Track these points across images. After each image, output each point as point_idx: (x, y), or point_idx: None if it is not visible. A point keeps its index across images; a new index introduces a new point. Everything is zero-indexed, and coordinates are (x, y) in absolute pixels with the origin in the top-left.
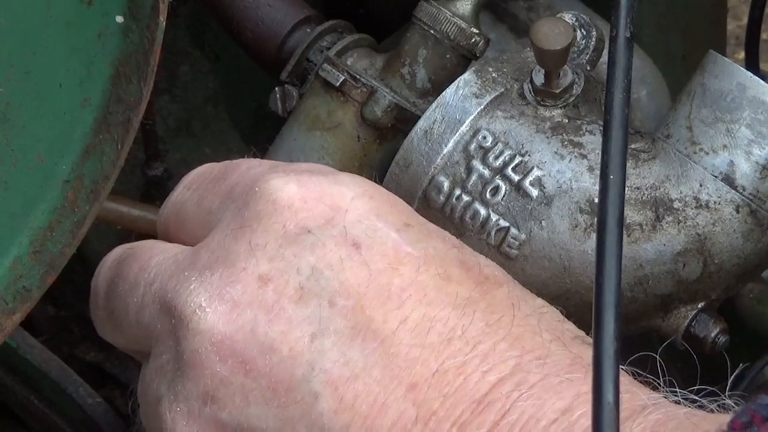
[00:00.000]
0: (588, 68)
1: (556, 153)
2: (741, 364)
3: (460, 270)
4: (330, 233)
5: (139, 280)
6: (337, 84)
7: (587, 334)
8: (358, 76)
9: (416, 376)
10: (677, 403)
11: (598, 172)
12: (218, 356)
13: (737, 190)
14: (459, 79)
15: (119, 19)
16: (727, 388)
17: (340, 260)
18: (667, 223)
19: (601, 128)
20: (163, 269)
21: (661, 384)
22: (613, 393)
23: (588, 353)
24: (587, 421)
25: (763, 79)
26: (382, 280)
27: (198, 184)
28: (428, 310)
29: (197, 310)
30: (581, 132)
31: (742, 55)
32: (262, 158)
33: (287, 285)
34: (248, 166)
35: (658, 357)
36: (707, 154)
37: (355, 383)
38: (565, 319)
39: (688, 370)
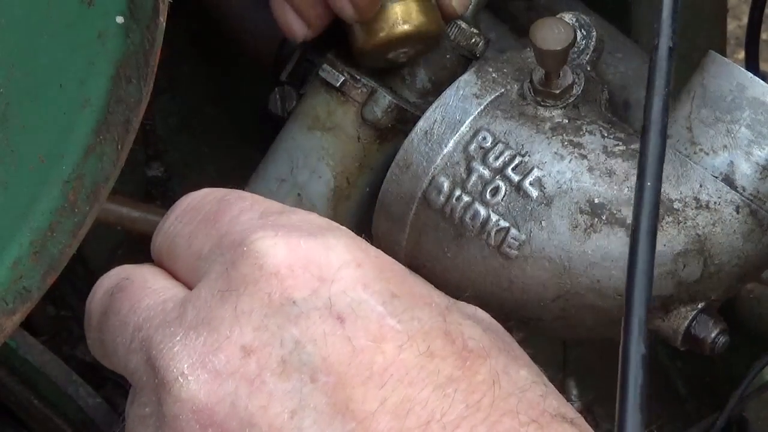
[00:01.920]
0: (588, 68)
1: (556, 153)
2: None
3: (444, 342)
4: (315, 305)
5: (128, 321)
6: (337, 84)
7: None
8: (357, 77)
9: None
10: None
11: (598, 172)
12: (198, 425)
13: (737, 191)
14: (459, 79)
15: (119, 19)
16: None
17: (323, 335)
18: (667, 223)
19: (601, 129)
20: (151, 316)
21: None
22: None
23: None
24: None
25: (763, 79)
26: (364, 358)
27: (189, 218)
28: (409, 392)
29: (179, 377)
30: (581, 132)
31: (742, 55)
32: (262, 158)
33: (270, 358)
34: (240, 210)
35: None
36: (707, 154)
37: None
38: (550, 393)
39: (688, 372)
